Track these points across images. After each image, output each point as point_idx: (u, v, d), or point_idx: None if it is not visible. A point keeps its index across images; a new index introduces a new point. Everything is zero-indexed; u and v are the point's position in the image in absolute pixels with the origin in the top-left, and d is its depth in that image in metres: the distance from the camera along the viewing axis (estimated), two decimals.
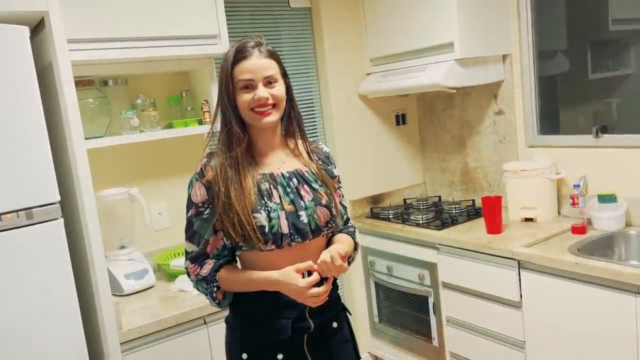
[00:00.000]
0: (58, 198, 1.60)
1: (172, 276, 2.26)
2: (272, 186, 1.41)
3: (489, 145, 2.89)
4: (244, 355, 1.44)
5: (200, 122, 2.34)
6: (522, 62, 2.70)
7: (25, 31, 1.54)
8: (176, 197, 2.48)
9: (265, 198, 1.39)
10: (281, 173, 1.45)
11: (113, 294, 2.09)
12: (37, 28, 1.73)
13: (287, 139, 1.51)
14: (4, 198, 1.50)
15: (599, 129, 2.44)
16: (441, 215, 2.78)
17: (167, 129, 2.30)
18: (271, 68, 1.40)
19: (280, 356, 1.42)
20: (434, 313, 2.62)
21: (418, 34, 2.68)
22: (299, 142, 1.52)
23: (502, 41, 2.69)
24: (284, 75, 1.45)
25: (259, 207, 1.37)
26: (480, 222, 2.56)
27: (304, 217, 1.42)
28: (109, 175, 2.27)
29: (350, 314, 1.61)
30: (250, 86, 1.38)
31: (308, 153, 1.51)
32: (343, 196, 1.60)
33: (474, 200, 2.90)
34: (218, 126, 1.44)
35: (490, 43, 2.65)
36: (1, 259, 1.51)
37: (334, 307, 1.53)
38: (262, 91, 1.37)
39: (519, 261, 2.17)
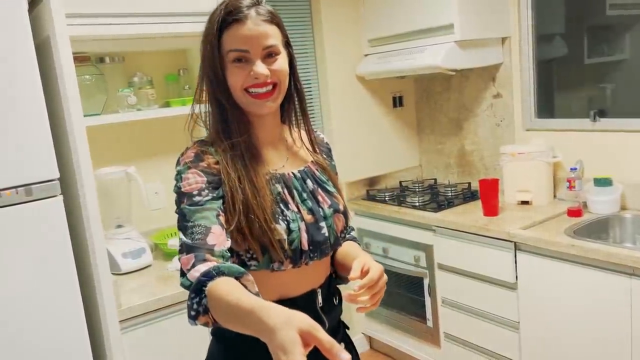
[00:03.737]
0: (57, 175, 1.58)
1: (169, 255, 2.25)
2: (285, 190, 1.14)
3: (486, 128, 2.90)
4: None
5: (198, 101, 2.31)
6: (521, 45, 2.69)
7: (23, 4, 1.51)
8: (172, 176, 2.46)
9: (281, 205, 1.11)
10: (292, 173, 1.17)
11: (111, 273, 2.09)
12: (35, 1, 1.69)
13: (288, 126, 1.23)
14: (3, 174, 1.48)
15: (596, 112, 2.45)
16: (437, 198, 2.80)
17: (164, 108, 2.27)
18: (273, 36, 1.09)
19: None
20: (429, 294, 2.64)
21: (418, 15, 2.66)
22: (302, 130, 1.24)
23: (501, 24, 2.68)
24: (287, 44, 1.14)
25: (277, 216, 1.09)
26: (477, 205, 2.57)
27: (324, 229, 1.15)
28: (105, 154, 2.24)
29: (348, 329, 1.33)
30: (244, 59, 1.07)
31: (313, 145, 1.24)
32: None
33: (470, 183, 2.91)
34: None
35: (490, 25, 2.64)
36: (1, 234, 1.49)
37: (338, 327, 1.28)
38: (260, 67, 1.07)
39: (515, 243, 2.19)
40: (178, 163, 1.13)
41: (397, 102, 3.20)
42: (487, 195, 2.42)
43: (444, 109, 3.10)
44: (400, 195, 2.89)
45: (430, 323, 2.68)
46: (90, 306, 1.79)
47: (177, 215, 1.09)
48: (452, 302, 2.52)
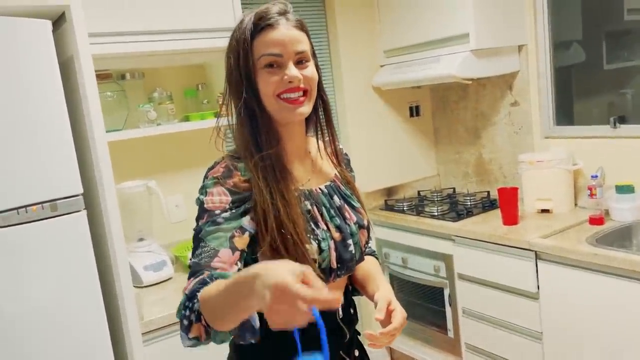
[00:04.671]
0: (81, 190, 1.61)
1: (189, 268, 2.27)
2: (315, 207, 1.13)
3: (504, 137, 2.88)
4: None
5: (217, 115, 2.35)
6: (538, 53, 2.68)
7: (48, 25, 1.56)
8: (192, 189, 2.47)
9: (311, 223, 1.10)
10: (320, 189, 1.16)
11: (134, 286, 2.12)
12: (59, 21, 1.74)
13: (316, 138, 1.21)
14: (30, 190, 1.53)
15: (616, 119, 2.43)
16: (456, 207, 2.78)
17: (184, 122, 2.31)
18: (303, 42, 1.09)
19: None
20: (450, 305, 2.62)
21: (433, 25, 2.67)
22: (326, 141, 1.22)
23: (517, 32, 2.67)
24: (313, 54, 1.15)
25: (308, 235, 1.08)
26: (496, 214, 2.55)
27: (351, 247, 1.15)
28: (126, 168, 2.29)
29: (360, 334, 1.30)
30: (276, 64, 1.06)
31: (337, 157, 1.23)
32: None
33: (488, 192, 2.89)
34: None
35: (505, 34, 2.64)
36: (27, 249, 1.53)
37: (353, 334, 1.26)
38: (294, 70, 1.06)
39: (536, 252, 2.16)
40: (206, 177, 1.11)
41: (414, 111, 3.20)
42: (507, 204, 2.40)
43: (460, 118, 3.10)
44: (418, 205, 2.88)
45: (451, 334, 2.65)
46: (113, 319, 1.82)
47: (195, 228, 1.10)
48: (473, 312, 2.50)
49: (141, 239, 2.24)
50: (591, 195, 2.31)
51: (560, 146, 2.59)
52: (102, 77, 2.07)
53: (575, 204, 2.55)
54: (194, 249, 1.04)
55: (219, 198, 1.05)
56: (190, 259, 1.04)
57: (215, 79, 2.41)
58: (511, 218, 2.39)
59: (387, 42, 2.96)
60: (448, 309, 2.64)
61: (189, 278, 1.01)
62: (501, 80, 2.82)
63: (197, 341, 0.94)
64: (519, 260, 2.23)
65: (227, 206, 1.05)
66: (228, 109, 1.15)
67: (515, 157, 2.74)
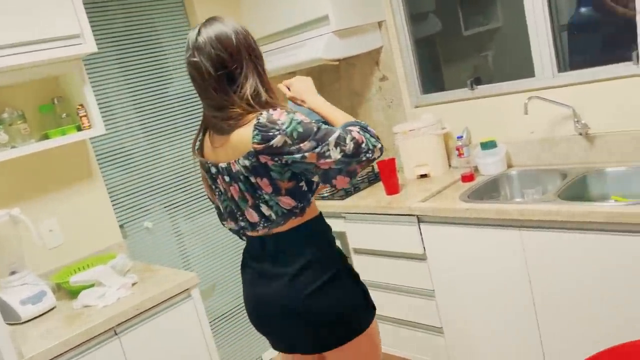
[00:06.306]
0: None
1: (74, 293, 2.14)
2: None
3: (379, 111, 2.98)
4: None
5: (79, 128, 2.21)
6: (396, 26, 2.79)
7: None
8: (66, 210, 2.34)
9: None
10: None
11: (10, 323, 1.96)
12: None
13: None
14: None
15: (472, 81, 2.59)
16: None
17: (43, 141, 2.15)
18: None
19: None
20: None
21: (292, 11, 2.69)
22: None
23: (375, 8, 2.76)
24: None
25: None
26: (380, 186, 2.65)
27: None
28: None
29: None
30: None
31: None
32: None
33: (373, 166, 2.99)
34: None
35: (364, 11, 2.72)
36: None
37: None
38: None
39: (417, 216, 2.28)
40: (273, 122, 1.42)
41: None
42: (386, 175, 2.50)
43: (337, 98, 3.16)
44: None
45: None
46: None
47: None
48: (372, 282, 2.58)
49: (13, 272, 2.07)
50: (459, 154, 2.46)
51: (429, 113, 2.73)
52: None
53: (450, 165, 2.71)
54: (345, 131, 1.46)
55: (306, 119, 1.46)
56: (351, 133, 1.46)
57: (72, 89, 2.26)
58: (392, 188, 2.49)
59: (252, 32, 2.90)
60: None
61: (361, 132, 1.49)
62: (368, 57, 2.91)
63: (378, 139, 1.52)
64: (403, 226, 2.33)
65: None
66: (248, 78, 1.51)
67: (391, 130, 2.85)
